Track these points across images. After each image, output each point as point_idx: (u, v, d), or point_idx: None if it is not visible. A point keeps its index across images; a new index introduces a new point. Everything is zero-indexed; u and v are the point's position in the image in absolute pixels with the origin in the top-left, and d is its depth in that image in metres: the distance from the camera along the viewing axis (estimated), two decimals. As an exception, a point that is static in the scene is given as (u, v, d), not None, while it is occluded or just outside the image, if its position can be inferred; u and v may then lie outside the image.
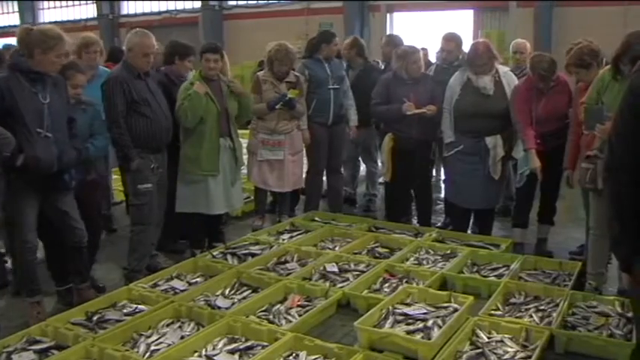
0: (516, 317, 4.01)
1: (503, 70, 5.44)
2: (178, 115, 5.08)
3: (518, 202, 5.50)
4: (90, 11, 24.37)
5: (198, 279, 4.72)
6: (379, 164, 7.48)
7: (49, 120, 3.95)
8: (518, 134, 5.13)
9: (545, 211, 5.38)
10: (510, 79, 5.33)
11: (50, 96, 3.99)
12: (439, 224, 6.26)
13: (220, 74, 5.34)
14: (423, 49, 9.52)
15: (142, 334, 3.77)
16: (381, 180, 8.00)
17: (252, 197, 6.56)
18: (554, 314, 3.95)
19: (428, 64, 6.75)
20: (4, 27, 25.63)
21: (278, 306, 4.20)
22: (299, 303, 4.24)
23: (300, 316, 4.03)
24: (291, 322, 3.94)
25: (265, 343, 3.64)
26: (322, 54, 6.31)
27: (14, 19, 25.89)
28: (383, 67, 6.98)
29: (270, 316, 4.05)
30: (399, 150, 5.75)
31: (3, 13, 27.28)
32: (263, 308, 4.18)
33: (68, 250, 4.29)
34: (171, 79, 5.34)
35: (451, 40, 6.03)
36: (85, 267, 4.48)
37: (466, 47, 5.76)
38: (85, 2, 24.67)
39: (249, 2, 20.44)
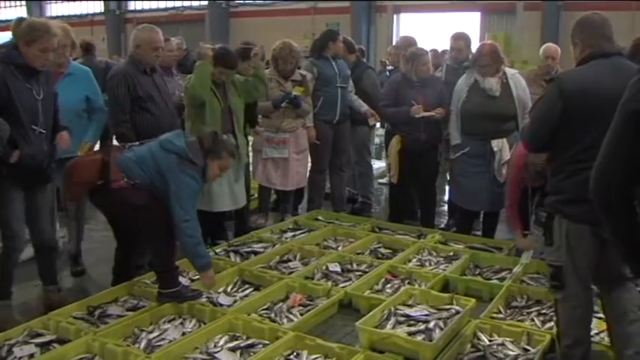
0: (518, 321, 4.00)
1: (511, 72, 5.42)
2: (188, 91, 5.08)
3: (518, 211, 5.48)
4: (97, 6, 24.43)
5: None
6: (374, 164, 7.47)
7: (42, 116, 3.90)
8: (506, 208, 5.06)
9: None
10: (517, 81, 5.32)
11: (43, 91, 3.92)
12: (442, 225, 6.25)
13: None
14: (443, 51, 9.40)
15: (143, 330, 3.77)
16: (383, 180, 8.01)
17: (257, 195, 6.56)
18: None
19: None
20: (11, 20, 25.70)
21: (280, 304, 4.21)
22: (300, 302, 4.24)
23: (301, 315, 4.03)
24: (292, 320, 3.95)
25: (266, 342, 3.64)
26: (330, 52, 6.32)
27: (22, 13, 25.95)
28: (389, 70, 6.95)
29: (272, 315, 4.05)
30: (407, 152, 5.74)
31: (11, 7, 27.34)
32: (265, 306, 4.18)
33: (38, 250, 4.23)
34: None
35: (460, 39, 6.01)
36: (55, 268, 4.40)
37: (473, 51, 5.74)
38: (92, -3, 24.74)
39: (256, 1, 20.47)
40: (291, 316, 4.02)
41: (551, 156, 3.16)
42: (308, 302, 4.25)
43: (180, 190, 3.92)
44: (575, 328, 3.22)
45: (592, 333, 3.71)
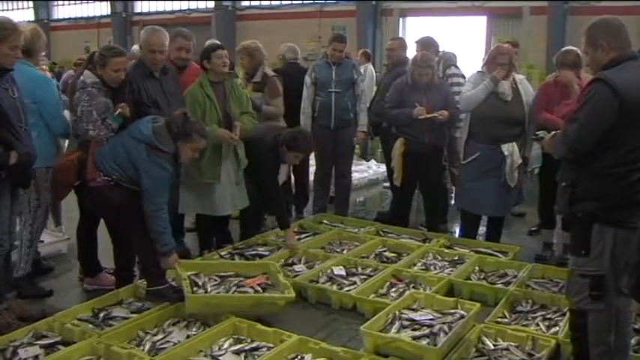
0: (523, 325, 4.00)
1: (519, 77, 5.43)
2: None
3: (543, 202, 5.45)
4: (104, 9, 24.53)
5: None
6: (379, 168, 7.49)
7: (22, 114, 3.88)
8: (535, 125, 5.02)
9: None
10: (526, 87, 5.33)
11: (16, 90, 3.89)
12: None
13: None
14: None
15: (147, 332, 3.78)
16: (387, 184, 8.00)
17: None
18: (561, 323, 3.93)
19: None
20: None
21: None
22: (259, 284, 4.30)
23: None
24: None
25: (271, 345, 3.64)
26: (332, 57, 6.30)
27: (29, 15, 26.08)
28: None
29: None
30: (410, 155, 5.74)
31: (18, 9, 27.47)
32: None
33: None
34: None
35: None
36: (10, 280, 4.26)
37: (479, 54, 5.75)
38: (99, 0, 24.82)
39: (262, 3, 20.51)
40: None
41: (587, 160, 3.02)
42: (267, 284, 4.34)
43: (151, 184, 4.01)
44: (609, 336, 3.12)
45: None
